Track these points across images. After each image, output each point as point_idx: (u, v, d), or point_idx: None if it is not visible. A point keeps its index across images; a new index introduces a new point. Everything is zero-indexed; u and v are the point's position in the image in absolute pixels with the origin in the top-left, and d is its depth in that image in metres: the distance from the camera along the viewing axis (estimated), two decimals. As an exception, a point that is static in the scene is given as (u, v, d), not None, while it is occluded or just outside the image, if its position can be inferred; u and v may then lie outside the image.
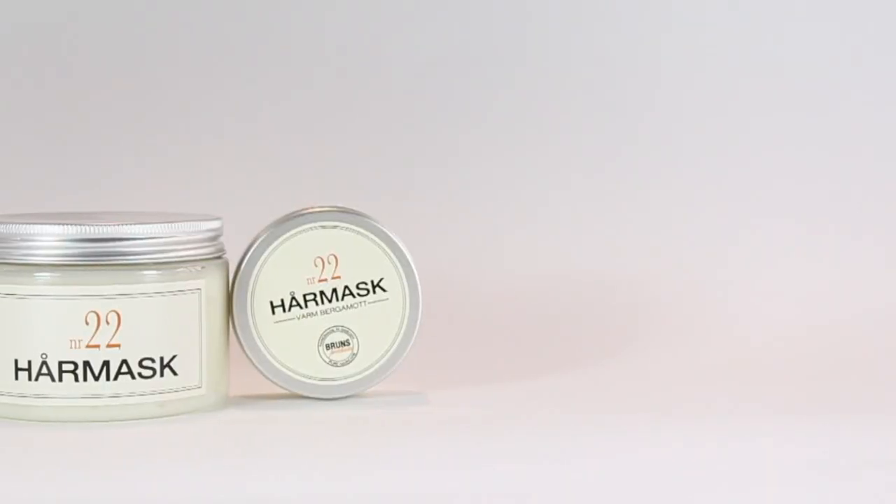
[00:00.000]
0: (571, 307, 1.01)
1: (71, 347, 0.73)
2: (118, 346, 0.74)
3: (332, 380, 0.79)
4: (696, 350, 0.94)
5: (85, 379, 0.73)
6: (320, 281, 0.79)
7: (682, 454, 0.69)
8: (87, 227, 0.74)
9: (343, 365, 0.79)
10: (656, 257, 1.04)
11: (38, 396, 0.74)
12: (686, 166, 1.07)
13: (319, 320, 0.79)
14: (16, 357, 0.74)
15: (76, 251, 0.74)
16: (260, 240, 0.79)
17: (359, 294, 0.79)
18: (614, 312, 1.01)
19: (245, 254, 0.79)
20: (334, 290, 0.79)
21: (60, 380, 0.73)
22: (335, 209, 0.79)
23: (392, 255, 0.79)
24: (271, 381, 0.79)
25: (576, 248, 1.05)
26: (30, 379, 0.74)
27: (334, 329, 0.79)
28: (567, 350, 0.95)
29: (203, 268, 0.76)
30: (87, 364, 0.73)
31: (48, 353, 0.73)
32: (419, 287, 0.80)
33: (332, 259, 0.79)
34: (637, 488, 0.64)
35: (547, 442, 0.71)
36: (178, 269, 0.75)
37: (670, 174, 1.07)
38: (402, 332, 0.80)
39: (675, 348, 0.95)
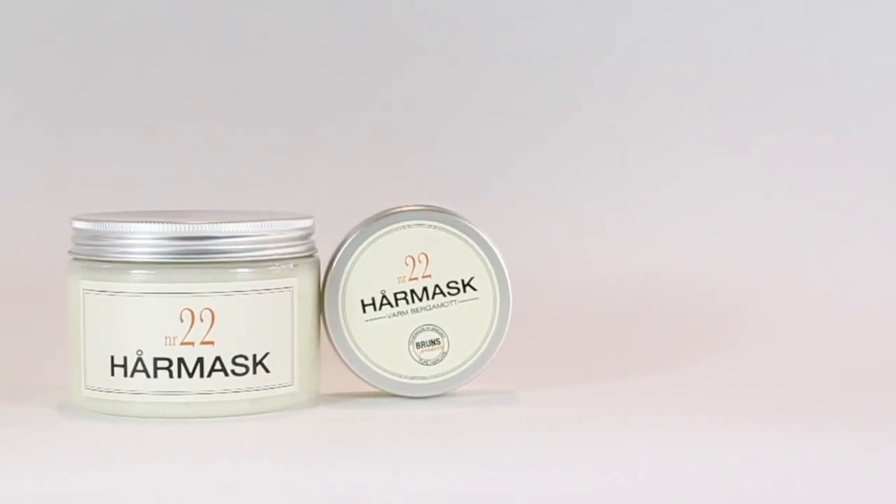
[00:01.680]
0: (662, 306, 1.01)
1: (166, 344, 0.74)
2: (212, 343, 0.74)
3: (422, 378, 0.80)
4: (788, 350, 0.93)
5: (179, 375, 0.74)
6: (411, 280, 0.79)
7: (774, 459, 0.69)
8: (182, 226, 0.74)
9: (433, 364, 0.80)
10: (750, 257, 1.03)
11: (133, 392, 0.75)
12: (776, 167, 1.06)
13: (410, 319, 0.79)
14: (112, 353, 0.75)
15: (171, 249, 0.74)
16: (351, 238, 0.79)
17: (449, 293, 0.79)
18: (705, 313, 1.00)
19: (336, 252, 0.79)
20: (425, 289, 0.79)
21: (155, 376, 0.74)
22: (426, 208, 0.79)
23: (483, 254, 0.79)
24: (362, 379, 0.79)
25: (667, 247, 1.05)
26: (125, 375, 0.74)
27: (425, 328, 0.79)
28: (657, 350, 0.94)
29: (295, 266, 0.77)
30: (181, 361, 0.74)
31: (143, 350, 0.74)
32: (510, 286, 0.79)
33: (423, 258, 0.79)
34: (727, 493, 0.63)
35: (635, 444, 0.71)
36: (271, 268, 0.76)
37: (761, 175, 1.06)
38: (493, 331, 0.80)
39: (767, 349, 0.94)
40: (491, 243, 0.79)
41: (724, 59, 1.07)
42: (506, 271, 0.80)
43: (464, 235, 0.79)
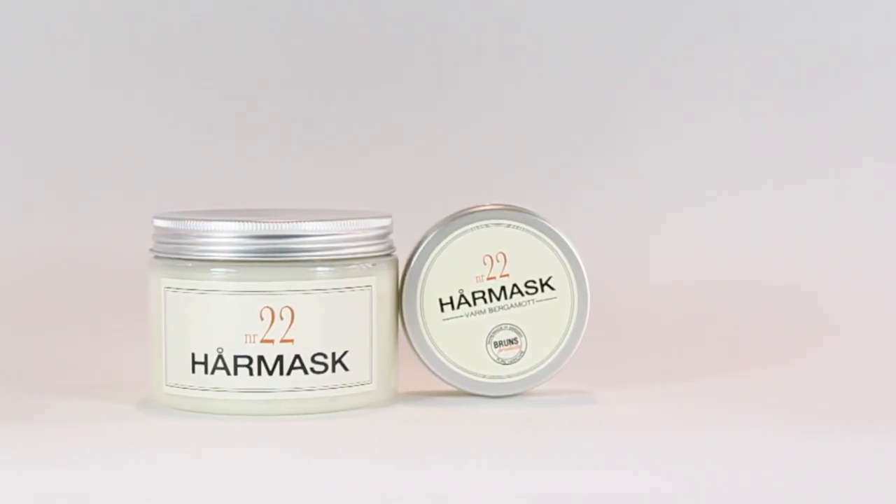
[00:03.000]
0: (739, 306, 1.00)
1: (246, 342, 0.75)
2: (291, 341, 0.75)
3: (500, 377, 0.80)
4: (870, 353, 0.93)
5: (259, 373, 0.75)
6: (489, 279, 0.79)
7: (859, 462, 0.68)
8: (263, 224, 0.75)
9: (511, 363, 0.80)
10: (832, 259, 1.03)
11: (213, 390, 0.75)
12: (863, 166, 1.06)
13: (488, 318, 0.79)
14: (192, 351, 0.75)
15: (252, 247, 0.75)
16: (429, 238, 0.79)
17: (527, 292, 0.79)
18: (784, 314, 1.00)
19: (414, 251, 0.79)
20: (503, 288, 0.79)
21: (235, 373, 0.75)
22: (504, 207, 0.79)
23: (561, 253, 0.79)
24: (439, 377, 0.80)
25: (745, 245, 1.04)
26: (206, 372, 0.75)
27: (502, 327, 0.79)
28: (736, 351, 0.94)
29: (374, 265, 0.77)
30: (261, 358, 0.75)
31: (224, 348, 0.75)
32: (588, 286, 0.79)
33: (501, 257, 0.79)
34: (802, 497, 0.63)
35: (711, 448, 0.71)
36: (350, 266, 0.76)
37: (841, 173, 1.05)
38: (570, 330, 0.80)
39: (847, 351, 0.93)
40: (569, 243, 0.79)
41: (807, 57, 1.06)
42: (584, 271, 0.79)
43: (542, 235, 0.79)
